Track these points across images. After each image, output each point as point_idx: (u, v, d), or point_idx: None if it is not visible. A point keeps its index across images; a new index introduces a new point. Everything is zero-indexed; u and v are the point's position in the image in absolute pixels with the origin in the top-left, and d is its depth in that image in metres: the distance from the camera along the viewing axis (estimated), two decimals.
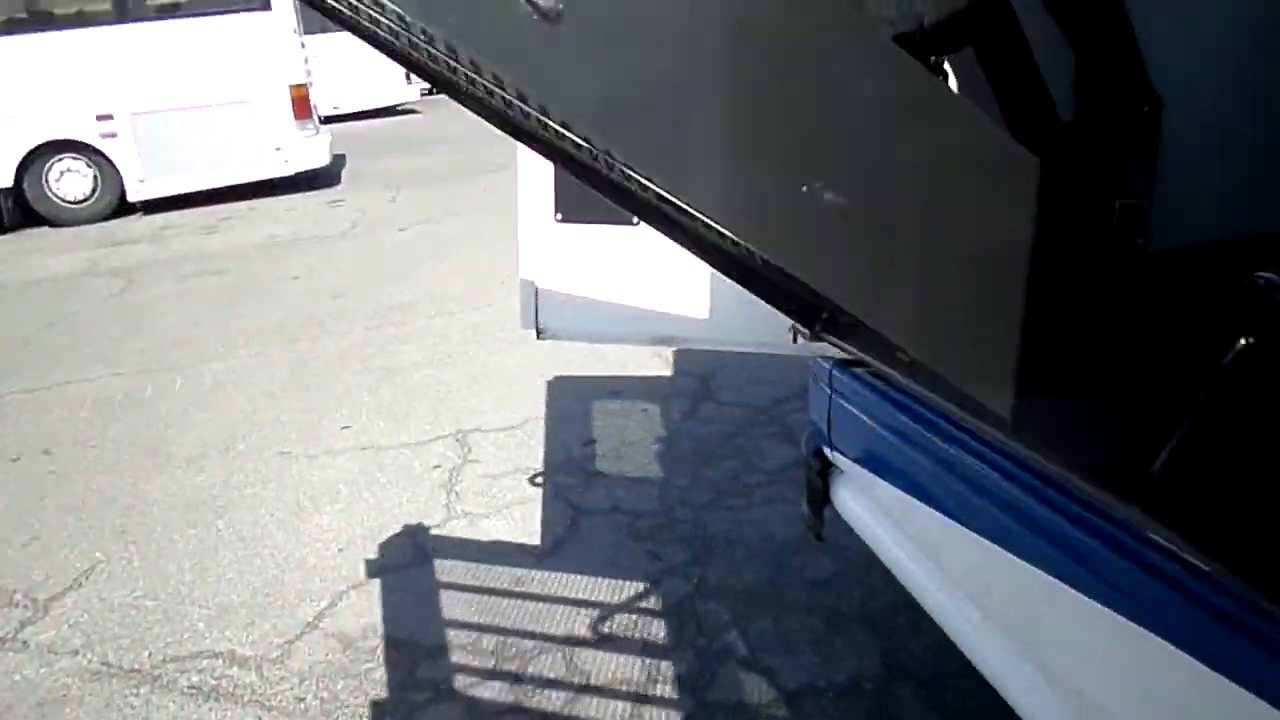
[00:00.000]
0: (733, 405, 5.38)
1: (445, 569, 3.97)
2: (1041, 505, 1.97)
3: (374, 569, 4.01)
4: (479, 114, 1.98)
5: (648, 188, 1.81)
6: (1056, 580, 1.89)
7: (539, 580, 3.83)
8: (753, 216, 0.77)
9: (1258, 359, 0.82)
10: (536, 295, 2.68)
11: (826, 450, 2.87)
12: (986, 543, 2.15)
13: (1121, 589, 1.73)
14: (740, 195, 0.75)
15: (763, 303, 2.61)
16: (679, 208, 1.80)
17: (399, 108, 24.63)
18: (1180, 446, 0.85)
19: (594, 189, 2.09)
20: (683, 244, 2.21)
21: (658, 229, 2.18)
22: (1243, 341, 0.82)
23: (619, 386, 5.69)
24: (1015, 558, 2.03)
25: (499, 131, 2.07)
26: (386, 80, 23.45)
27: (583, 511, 4.35)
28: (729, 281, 2.61)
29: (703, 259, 2.28)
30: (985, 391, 0.93)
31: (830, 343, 2.52)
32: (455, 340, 6.87)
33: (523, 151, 2.55)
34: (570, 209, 2.59)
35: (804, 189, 0.74)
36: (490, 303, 7.59)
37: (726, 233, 1.85)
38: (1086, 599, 1.83)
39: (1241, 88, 1.25)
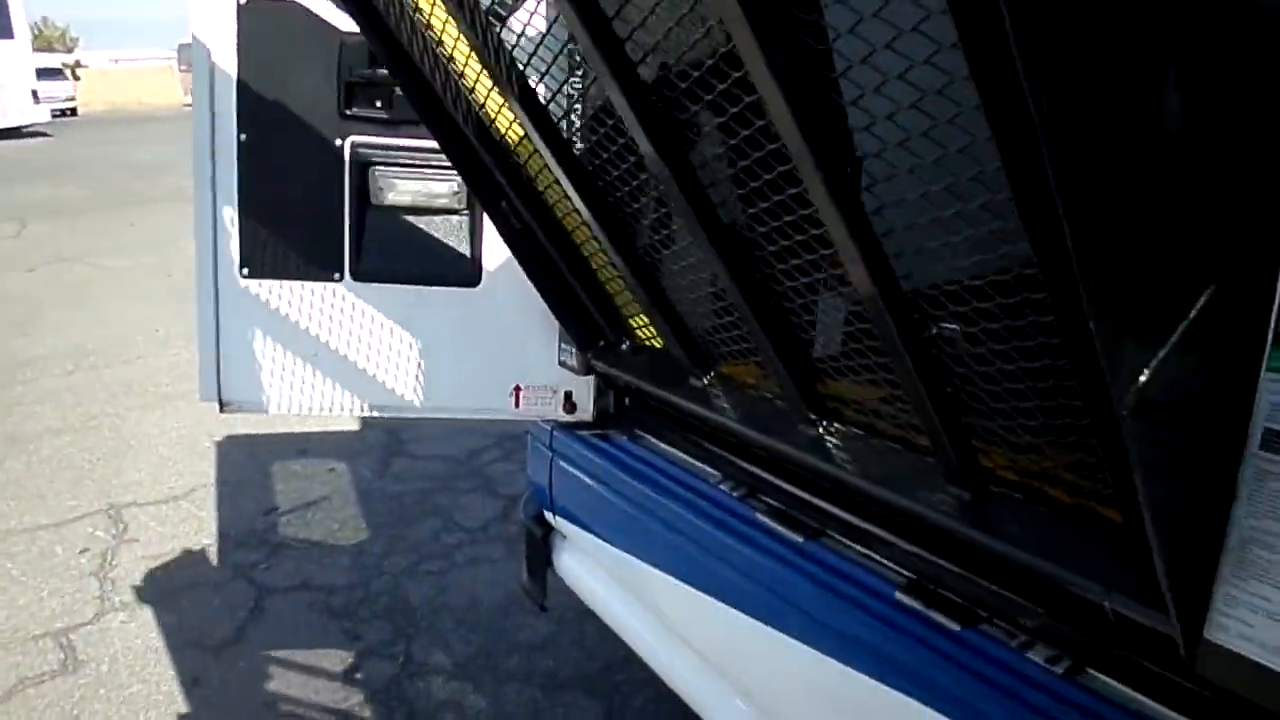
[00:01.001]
0: (428, 459, 5.11)
1: (102, 676, 3.37)
2: (769, 559, 1.97)
3: (9, 684, 3.33)
4: None
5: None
6: (782, 633, 1.90)
7: (220, 679, 3.35)
8: None
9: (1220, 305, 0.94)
10: (219, 363, 2.31)
11: (548, 514, 2.73)
12: (713, 600, 2.12)
13: (842, 636, 1.77)
14: None
15: (482, 366, 2.45)
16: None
17: (25, 129, 21.97)
18: (1151, 379, 0.93)
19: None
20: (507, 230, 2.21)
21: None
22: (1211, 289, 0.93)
23: (302, 444, 5.23)
24: (747, 616, 2.02)
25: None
26: (10, 98, 20.89)
27: (268, 590, 3.90)
28: (445, 343, 2.42)
29: (516, 253, 2.27)
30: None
31: (599, 370, 2.40)
32: (100, 400, 6.04)
33: (201, 194, 2.21)
34: (259, 263, 2.25)
35: None
36: (140, 355, 6.79)
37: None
38: (797, 642, 1.85)
39: None
